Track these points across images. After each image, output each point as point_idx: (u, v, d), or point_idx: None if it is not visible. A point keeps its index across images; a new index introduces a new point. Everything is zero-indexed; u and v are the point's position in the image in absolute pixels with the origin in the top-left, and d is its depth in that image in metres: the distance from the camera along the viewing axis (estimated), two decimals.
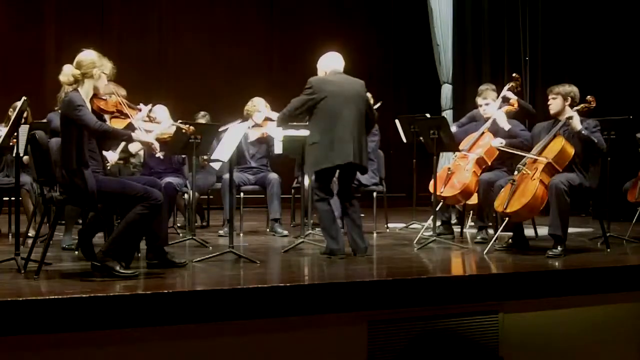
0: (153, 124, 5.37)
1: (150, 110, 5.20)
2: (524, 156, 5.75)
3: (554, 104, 5.73)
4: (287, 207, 7.84)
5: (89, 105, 4.57)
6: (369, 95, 5.81)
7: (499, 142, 6.20)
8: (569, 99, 5.70)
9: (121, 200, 4.55)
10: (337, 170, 5.56)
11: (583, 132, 5.53)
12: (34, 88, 8.52)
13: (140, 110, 5.04)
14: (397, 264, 5.24)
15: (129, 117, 4.86)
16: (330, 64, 5.57)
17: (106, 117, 4.97)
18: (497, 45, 9.94)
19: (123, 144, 5.89)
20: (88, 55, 4.61)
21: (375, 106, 7.29)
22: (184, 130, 5.59)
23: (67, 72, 4.57)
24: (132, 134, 4.68)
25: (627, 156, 7.17)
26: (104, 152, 5.26)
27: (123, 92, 5.29)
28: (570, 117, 5.58)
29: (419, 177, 7.74)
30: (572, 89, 5.73)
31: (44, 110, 7.26)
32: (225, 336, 4.03)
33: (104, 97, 4.74)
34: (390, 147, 8.53)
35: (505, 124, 6.42)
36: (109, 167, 5.65)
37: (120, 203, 4.61)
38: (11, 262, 4.73)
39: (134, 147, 6.17)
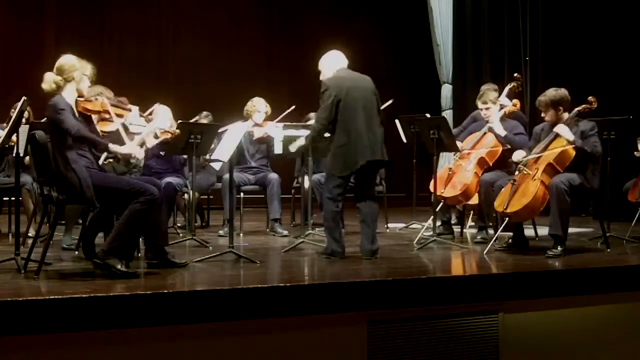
0: (140, 126, 5.34)
1: (150, 113, 5.19)
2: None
3: (548, 116, 5.72)
4: (287, 207, 7.84)
5: (74, 108, 4.57)
6: None
7: (520, 156, 5.75)
8: (560, 107, 5.66)
9: (116, 195, 4.54)
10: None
11: (576, 142, 5.51)
12: (34, 88, 8.49)
13: (130, 110, 5.03)
14: (397, 264, 5.23)
15: (121, 118, 4.86)
16: (337, 62, 5.47)
17: (94, 118, 4.95)
18: (497, 45, 9.93)
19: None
20: (68, 60, 4.62)
21: (387, 103, 7.21)
22: (170, 133, 5.63)
23: (49, 79, 4.58)
24: (109, 146, 4.60)
25: (627, 156, 7.17)
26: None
27: (110, 94, 5.30)
28: (557, 134, 5.57)
29: (419, 177, 7.73)
30: (559, 94, 5.67)
31: (44, 110, 7.25)
32: (225, 336, 4.03)
33: (89, 99, 4.73)
34: (390, 147, 8.52)
35: (501, 131, 6.41)
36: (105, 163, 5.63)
37: (116, 198, 4.59)
38: (11, 262, 4.73)
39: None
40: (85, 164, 4.53)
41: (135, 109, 5.10)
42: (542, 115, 5.76)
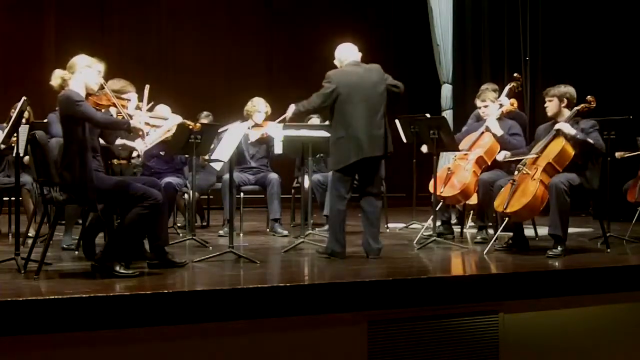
0: (160, 119, 5.37)
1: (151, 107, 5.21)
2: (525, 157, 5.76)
3: (550, 106, 5.74)
4: (287, 207, 7.83)
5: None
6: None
7: (503, 156, 6.06)
8: (565, 100, 5.69)
9: (121, 199, 4.55)
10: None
11: (578, 136, 5.52)
12: (34, 88, 8.50)
13: (129, 100, 5.04)
14: (397, 264, 5.23)
15: (125, 108, 4.88)
16: (348, 55, 5.48)
17: (113, 111, 4.97)
18: (497, 45, 9.92)
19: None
20: (77, 58, 4.63)
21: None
22: (190, 127, 5.61)
23: (57, 74, 4.57)
24: (131, 122, 4.65)
25: (627, 156, 7.17)
26: (133, 144, 5.31)
27: (132, 88, 5.32)
28: (558, 130, 5.58)
29: (419, 177, 7.73)
30: (567, 90, 5.72)
31: (44, 110, 7.26)
32: (225, 336, 4.03)
33: (97, 93, 4.73)
34: None
35: (497, 131, 6.42)
36: (136, 157, 5.66)
37: (120, 202, 4.61)
38: (11, 262, 4.74)
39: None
40: (95, 166, 4.53)
41: (134, 97, 5.11)
42: (545, 105, 5.77)
